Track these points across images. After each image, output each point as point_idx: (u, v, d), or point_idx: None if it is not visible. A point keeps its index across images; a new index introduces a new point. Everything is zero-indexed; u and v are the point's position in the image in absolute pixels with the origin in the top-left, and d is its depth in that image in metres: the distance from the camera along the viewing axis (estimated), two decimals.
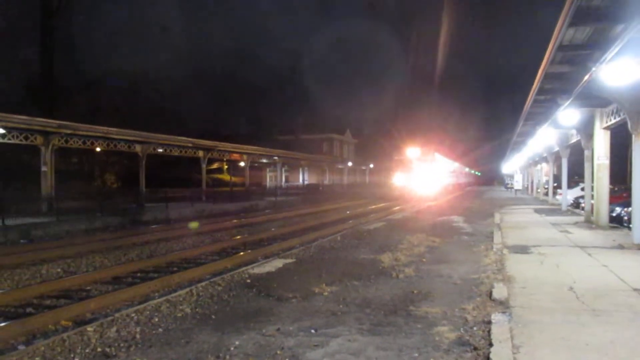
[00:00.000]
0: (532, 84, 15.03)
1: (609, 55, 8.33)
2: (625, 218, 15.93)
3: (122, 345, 5.53)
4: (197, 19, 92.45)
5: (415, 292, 7.70)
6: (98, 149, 30.80)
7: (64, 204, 22.31)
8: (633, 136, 11.93)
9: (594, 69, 9.37)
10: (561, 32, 8.52)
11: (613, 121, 14.62)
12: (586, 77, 10.28)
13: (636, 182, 11.77)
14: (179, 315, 6.71)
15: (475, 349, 5.15)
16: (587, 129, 17.66)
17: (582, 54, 10.14)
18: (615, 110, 14.37)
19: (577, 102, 13.78)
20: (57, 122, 23.37)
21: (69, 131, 23.94)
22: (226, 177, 60.41)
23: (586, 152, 18.39)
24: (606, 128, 15.62)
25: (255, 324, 6.17)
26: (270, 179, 63.46)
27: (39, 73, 40.79)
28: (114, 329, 6.07)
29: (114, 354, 5.29)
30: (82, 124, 25.04)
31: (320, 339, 5.54)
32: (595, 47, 9.36)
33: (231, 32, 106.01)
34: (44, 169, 23.29)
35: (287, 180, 62.80)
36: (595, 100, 14.15)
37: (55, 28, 41.68)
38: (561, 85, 13.20)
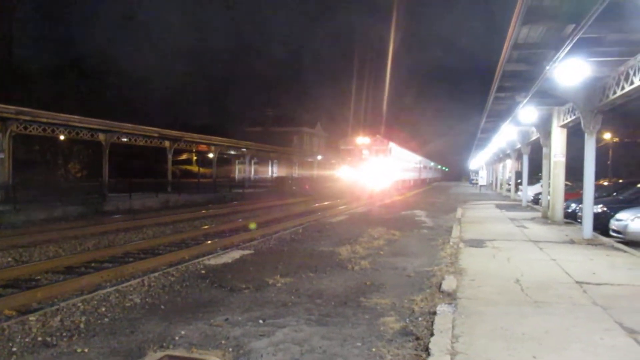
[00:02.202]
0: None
1: (561, 54, 8.54)
2: (579, 214, 16.41)
3: (64, 334, 5.44)
4: (164, 8, 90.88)
5: (368, 283, 7.80)
6: (61, 137, 30.04)
7: (23, 192, 21.72)
8: (586, 134, 12.30)
9: (547, 67, 9.60)
10: (515, 30, 8.70)
11: (569, 119, 15.03)
12: (541, 76, 10.53)
13: (587, 179, 12.15)
14: (128, 305, 6.63)
15: (417, 338, 5.25)
16: (545, 127, 18.12)
17: (537, 52, 10.39)
18: (571, 109, 14.77)
19: (535, 100, 14.13)
20: (15, 108, 22.62)
21: (27, 117, 23.26)
22: (194, 168, 59.75)
23: (544, 150, 18.86)
24: (563, 126, 16.05)
25: (204, 314, 6.15)
26: (239, 171, 62.91)
27: None
28: (58, 318, 5.96)
29: (54, 343, 5.19)
30: (42, 111, 24.31)
31: (267, 329, 5.56)
32: (549, 46, 9.59)
33: (201, 25, 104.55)
34: (0, 155, 22.56)
35: (256, 173, 62.42)
36: (551, 99, 14.51)
37: (15, 10, 40.25)
38: (520, 83, 13.52)
